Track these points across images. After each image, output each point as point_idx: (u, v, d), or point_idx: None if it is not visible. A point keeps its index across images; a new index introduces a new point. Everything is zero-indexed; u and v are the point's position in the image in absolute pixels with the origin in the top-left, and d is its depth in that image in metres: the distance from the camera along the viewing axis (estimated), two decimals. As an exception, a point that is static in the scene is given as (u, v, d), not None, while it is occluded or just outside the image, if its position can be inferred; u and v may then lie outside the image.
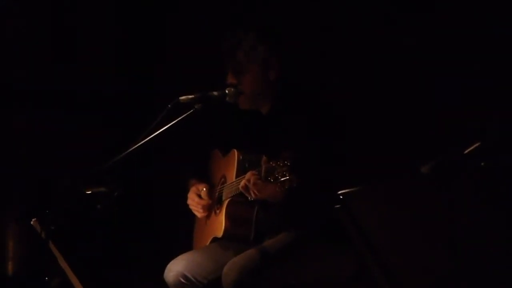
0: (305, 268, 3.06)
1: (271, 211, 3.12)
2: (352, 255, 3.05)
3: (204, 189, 3.37)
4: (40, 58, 4.52)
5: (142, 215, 4.69)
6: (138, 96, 4.67)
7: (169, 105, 2.98)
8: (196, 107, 3.00)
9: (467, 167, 2.15)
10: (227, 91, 3.13)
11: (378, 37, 3.69)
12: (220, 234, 3.17)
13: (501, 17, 3.32)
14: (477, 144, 2.16)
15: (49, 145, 4.49)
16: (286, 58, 3.21)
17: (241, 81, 3.16)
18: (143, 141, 2.93)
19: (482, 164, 2.12)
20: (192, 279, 3.17)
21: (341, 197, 2.06)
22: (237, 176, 3.13)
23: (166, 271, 3.23)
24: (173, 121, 2.97)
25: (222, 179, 3.33)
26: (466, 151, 2.16)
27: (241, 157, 3.17)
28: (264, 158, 2.86)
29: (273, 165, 2.75)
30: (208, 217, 3.40)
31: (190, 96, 3.03)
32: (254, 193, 2.93)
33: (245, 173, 2.98)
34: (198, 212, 3.38)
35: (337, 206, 2.07)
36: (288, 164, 2.72)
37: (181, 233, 3.74)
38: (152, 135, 2.94)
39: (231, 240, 3.20)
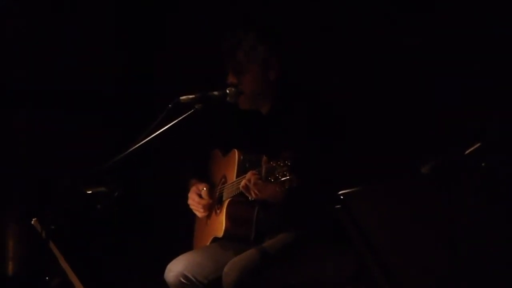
0: (305, 268, 3.06)
1: (271, 211, 3.12)
2: (352, 255, 3.05)
3: (205, 188, 3.37)
4: (40, 58, 4.52)
5: (142, 215, 4.69)
6: (138, 96, 4.67)
7: (169, 105, 2.98)
8: (196, 107, 3.00)
9: (467, 167, 2.15)
10: (227, 91, 3.13)
11: (378, 37, 3.69)
12: (220, 234, 3.17)
13: (501, 17, 3.32)
14: (477, 145, 2.17)
15: (49, 145, 4.49)
16: (286, 58, 3.21)
17: (241, 81, 3.16)
18: (143, 141, 2.93)
19: (483, 164, 2.12)
20: (192, 279, 3.17)
21: (341, 197, 2.07)
22: (237, 176, 3.13)
23: (166, 271, 3.23)
24: (173, 121, 2.97)
25: (223, 179, 3.33)
26: (467, 152, 2.16)
27: (241, 157, 3.17)
28: (264, 158, 2.86)
29: (274, 165, 2.75)
30: (208, 217, 3.40)
31: (190, 96, 3.03)
32: (254, 193, 2.93)
33: (245, 173, 2.98)
34: (199, 212, 3.37)
35: (337, 206, 2.07)
36: (289, 164, 2.72)
37: (181, 233, 3.74)
38: (152, 135, 2.94)
39: (232, 240, 3.20)
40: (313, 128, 3.05)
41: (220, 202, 3.30)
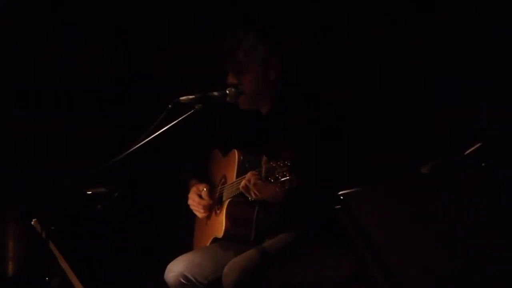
0: (305, 268, 3.06)
1: (271, 211, 3.12)
2: (352, 255, 3.05)
3: (205, 189, 3.37)
4: (40, 58, 4.52)
5: (142, 215, 4.69)
6: (138, 96, 4.67)
7: (169, 105, 2.99)
8: (196, 107, 3.01)
9: (467, 167, 2.15)
10: (227, 91, 3.14)
11: (378, 37, 3.69)
12: (220, 234, 3.17)
13: (501, 17, 3.32)
14: (477, 145, 2.16)
15: (49, 145, 4.49)
16: (286, 58, 3.21)
17: (241, 81, 3.16)
18: (143, 142, 2.93)
19: (483, 164, 2.12)
20: (192, 279, 3.17)
21: (341, 197, 2.06)
22: (237, 176, 3.13)
23: (166, 271, 3.23)
24: (173, 121, 2.97)
25: (223, 180, 3.33)
26: (467, 152, 2.16)
27: (241, 158, 3.17)
28: (264, 158, 2.86)
29: (274, 165, 2.75)
30: (208, 217, 3.40)
31: (190, 96, 3.03)
32: (254, 193, 2.93)
33: (245, 173, 2.98)
34: (199, 213, 3.37)
35: (338, 206, 2.07)
36: (288, 164, 2.72)
37: (181, 233, 3.74)
38: (152, 136, 2.94)
39: (232, 240, 3.20)
40: (313, 128, 3.05)
41: (220, 202, 3.30)
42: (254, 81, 3.17)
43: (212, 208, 3.37)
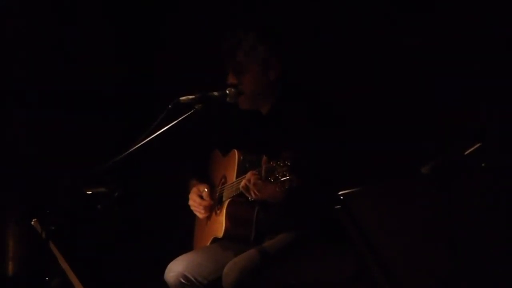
0: (305, 268, 3.06)
1: (271, 211, 3.12)
2: (352, 255, 3.05)
3: (206, 190, 3.37)
4: (40, 58, 4.52)
5: (142, 215, 4.69)
6: (138, 96, 4.67)
7: (169, 106, 2.98)
8: (196, 107, 3.00)
9: (467, 167, 2.15)
10: (227, 91, 3.14)
11: (378, 37, 3.69)
12: (220, 234, 3.17)
13: (501, 17, 3.32)
14: (477, 145, 2.16)
15: (49, 145, 4.49)
16: (286, 58, 3.21)
17: (241, 81, 3.16)
18: (144, 142, 2.93)
19: (483, 164, 2.12)
20: (193, 279, 3.17)
21: (341, 197, 2.06)
22: (237, 176, 3.13)
23: (166, 271, 3.23)
24: (173, 121, 2.97)
25: (223, 180, 3.33)
26: (467, 152, 2.16)
27: (241, 158, 3.17)
28: (264, 158, 2.86)
29: (274, 165, 2.75)
30: (208, 217, 3.40)
31: (190, 97, 3.03)
32: (254, 193, 2.93)
33: (245, 173, 2.98)
34: (200, 213, 3.37)
35: (338, 206, 2.07)
36: (289, 164, 2.72)
37: (181, 233, 3.74)
38: (152, 136, 2.94)
39: (232, 240, 3.20)
40: (313, 128, 3.05)
41: (220, 202, 3.30)
42: (254, 81, 3.17)
43: (211, 209, 3.37)
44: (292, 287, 3.06)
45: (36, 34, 4.51)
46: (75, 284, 2.98)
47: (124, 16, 4.72)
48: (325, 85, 3.60)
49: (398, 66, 3.64)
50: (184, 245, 3.51)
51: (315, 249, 3.08)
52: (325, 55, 3.86)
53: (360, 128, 3.52)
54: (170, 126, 2.96)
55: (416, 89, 3.58)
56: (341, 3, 3.83)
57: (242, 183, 2.95)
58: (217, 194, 3.35)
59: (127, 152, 2.93)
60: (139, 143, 2.93)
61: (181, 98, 3.02)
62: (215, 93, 3.11)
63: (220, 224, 3.18)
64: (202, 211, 3.36)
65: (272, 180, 2.75)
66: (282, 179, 2.72)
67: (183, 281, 3.17)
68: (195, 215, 3.42)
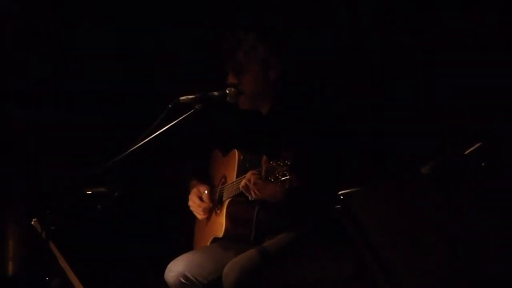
0: (305, 268, 3.06)
1: (271, 211, 3.12)
2: (352, 255, 3.05)
3: (206, 191, 3.37)
4: (40, 58, 4.51)
5: (142, 215, 4.69)
6: (138, 96, 4.67)
7: (169, 105, 2.98)
8: (196, 107, 3.00)
9: (467, 167, 2.15)
10: (227, 91, 3.14)
11: (378, 37, 3.69)
12: (220, 234, 3.17)
13: (501, 17, 3.32)
14: (477, 145, 2.16)
15: (49, 145, 4.49)
16: (286, 58, 3.21)
17: (241, 81, 3.16)
18: (143, 141, 2.93)
19: (483, 164, 2.12)
20: (193, 279, 3.17)
21: (341, 197, 2.07)
22: (237, 176, 3.13)
23: (166, 271, 3.23)
24: (173, 121, 2.97)
25: (223, 179, 3.33)
26: (467, 152, 2.16)
27: (241, 157, 3.17)
28: (264, 158, 2.86)
29: (274, 164, 2.75)
30: (208, 217, 3.40)
31: (190, 96, 3.03)
32: (254, 192, 2.93)
33: (245, 173, 2.98)
34: (199, 215, 3.38)
35: (338, 206, 2.07)
36: (289, 163, 2.72)
37: (181, 233, 3.74)
38: (152, 136, 2.94)
39: (232, 240, 3.20)
40: (313, 128, 3.05)
41: (220, 202, 3.30)
42: (254, 81, 3.18)
43: (211, 209, 3.37)
44: (292, 287, 3.06)
45: (36, 34, 4.51)
46: (75, 284, 2.98)
47: (124, 16, 4.72)
48: (325, 85, 3.60)
49: (398, 66, 3.64)
50: (184, 245, 3.51)
51: (315, 249, 3.08)
52: (325, 55, 3.86)
53: (360, 128, 3.52)
54: (170, 126, 2.96)
55: (416, 89, 3.58)
56: (341, 3, 3.83)
57: (242, 182, 2.95)
58: (217, 194, 3.35)
59: (127, 152, 2.93)
60: (139, 143, 2.93)
61: (181, 98, 3.01)
62: (215, 93, 3.11)
63: (220, 224, 3.18)
64: (201, 213, 3.36)
65: (272, 180, 2.75)
66: (282, 178, 2.72)
67: (183, 281, 3.17)
68: (195, 215, 3.43)
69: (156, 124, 2.94)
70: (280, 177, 2.73)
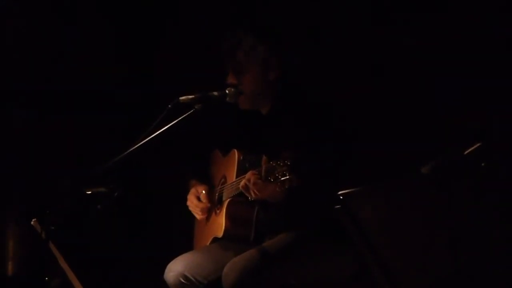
0: (305, 268, 3.06)
1: (271, 211, 3.11)
2: (352, 255, 3.05)
3: (204, 191, 3.37)
4: (40, 58, 4.52)
5: (142, 215, 4.69)
6: (138, 96, 4.67)
7: (169, 105, 2.98)
8: (196, 107, 3.00)
9: (467, 167, 2.15)
10: (227, 91, 3.13)
11: (378, 37, 3.69)
12: (220, 234, 3.17)
13: (501, 17, 3.32)
14: (477, 145, 2.16)
15: (49, 145, 4.49)
16: (286, 58, 3.21)
17: (241, 81, 3.16)
18: (143, 141, 2.93)
19: (483, 164, 2.12)
20: (192, 279, 3.17)
21: (341, 197, 2.07)
22: (237, 176, 3.13)
23: (166, 271, 3.23)
24: (173, 121, 2.97)
25: (223, 179, 3.33)
26: (467, 152, 2.16)
27: (241, 157, 3.17)
28: (264, 158, 2.86)
29: (273, 164, 2.75)
30: (208, 217, 3.40)
31: (190, 96, 3.03)
32: (254, 192, 2.93)
33: (245, 173, 2.98)
34: (197, 214, 3.38)
35: (338, 206, 2.07)
36: (288, 163, 2.72)
37: (181, 233, 3.74)
38: (152, 136, 2.94)
39: (232, 240, 3.20)
40: (313, 128, 3.05)
41: (220, 202, 3.30)
42: (254, 81, 3.17)
43: (211, 209, 3.37)
44: (292, 287, 3.06)
45: (36, 34, 4.51)
46: (75, 284, 2.98)
47: (124, 16, 4.72)
48: (325, 85, 3.60)
49: (398, 66, 3.64)
50: (184, 245, 3.51)
51: (315, 249, 3.08)
52: (325, 55, 3.86)
53: (360, 128, 3.52)
54: (170, 126, 2.96)
55: (416, 89, 3.58)
56: (341, 3, 3.83)
57: (242, 182, 2.95)
58: (217, 194, 3.35)
59: (127, 152, 2.93)
60: (139, 143, 2.93)
61: (181, 98, 3.01)
62: (215, 93, 3.11)
63: (220, 224, 3.18)
64: (199, 213, 3.36)
65: (272, 180, 2.75)
66: (282, 178, 2.72)
67: (183, 281, 3.17)
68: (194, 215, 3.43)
69: (156, 124, 2.94)
70: (280, 177, 2.73)
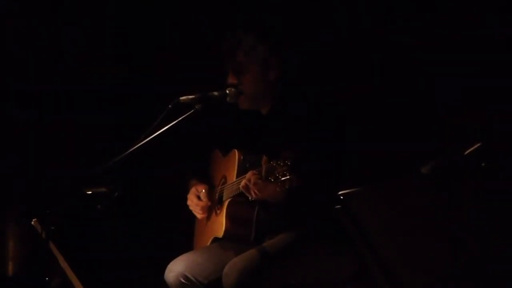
0: (305, 268, 3.06)
1: (271, 211, 3.11)
2: (352, 255, 3.05)
3: (204, 190, 3.37)
4: (40, 58, 4.52)
5: (142, 215, 4.69)
6: (138, 96, 4.67)
7: (169, 106, 2.98)
8: (196, 107, 3.00)
9: (467, 167, 2.15)
10: (227, 91, 3.13)
11: (378, 37, 3.69)
12: (220, 234, 3.17)
13: (501, 17, 3.32)
14: (477, 145, 2.16)
15: (49, 145, 4.49)
16: (286, 58, 3.21)
17: (241, 81, 3.16)
18: (144, 142, 2.93)
19: (483, 164, 2.12)
20: (193, 279, 3.17)
21: (341, 197, 2.06)
22: (237, 176, 3.13)
23: (166, 271, 3.23)
24: (173, 121, 2.97)
25: (223, 180, 3.33)
26: (467, 152, 2.16)
27: (241, 157, 3.17)
28: (264, 158, 2.86)
29: (274, 164, 2.75)
30: (208, 217, 3.40)
31: (190, 97, 3.03)
32: (254, 192, 2.93)
33: (245, 173, 2.98)
34: (197, 213, 3.38)
35: (338, 206, 2.07)
36: (289, 163, 2.72)
37: (181, 233, 3.74)
38: (152, 136, 2.94)
39: (232, 240, 3.20)
40: (313, 128, 3.05)
41: (220, 202, 3.30)
42: (254, 81, 3.17)
43: (211, 208, 3.37)
44: (292, 287, 3.06)
45: (36, 34, 4.51)
46: (75, 284, 2.98)
47: (124, 16, 4.72)
48: (325, 85, 3.60)
49: (398, 66, 3.64)
50: (184, 245, 3.51)
51: (315, 249, 3.08)
52: (325, 55, 3.86)
53: (360, 128, 3.52)
54: (170, 126, 2.96)
55: (416, 89, 3.58)
56: (341, 3, 3.83)
57: (242, 183, 2.95)
58: (217, 194, 3.35)
59: (127, 152, 2.93)
60: (139, 143, 2.93)
61: (181, 98, 3.01)
62: (215, 93, 3.11)
63: (220, 224, 3.18)
64: (200, 212, 3.36)
65: (272, 180, 2.75)
66: (282, 178, 2.72)
67: (183, 281, 3.17)
68: (195, 215, 3.43)
69: (156, 124, 2.94)
70: (280, 177, 2.73)
